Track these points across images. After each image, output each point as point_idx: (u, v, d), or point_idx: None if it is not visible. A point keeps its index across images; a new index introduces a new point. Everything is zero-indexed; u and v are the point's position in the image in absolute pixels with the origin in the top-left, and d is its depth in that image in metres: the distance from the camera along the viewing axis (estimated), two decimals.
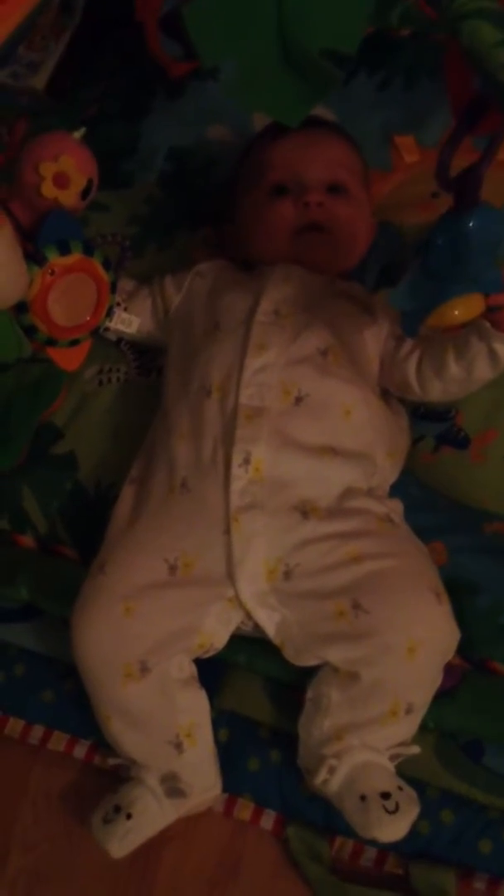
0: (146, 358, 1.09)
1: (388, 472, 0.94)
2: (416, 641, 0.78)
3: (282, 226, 1.00)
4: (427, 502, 0.97)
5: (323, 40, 0.59)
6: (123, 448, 1.01)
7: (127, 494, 0.93)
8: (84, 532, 0.99)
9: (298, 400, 0.89)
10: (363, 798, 0.78)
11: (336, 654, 0.80)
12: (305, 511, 0.85)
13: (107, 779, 0.88)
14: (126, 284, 1.05)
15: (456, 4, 0.59)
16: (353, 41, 0.59)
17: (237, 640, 0.86)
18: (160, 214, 1.21)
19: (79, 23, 1.36)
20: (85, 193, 0.82)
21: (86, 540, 0.97)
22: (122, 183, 1.25)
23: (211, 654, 0.86)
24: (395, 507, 0.90)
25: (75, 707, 0.91)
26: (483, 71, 0.62)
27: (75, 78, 1.39)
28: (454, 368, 0.88)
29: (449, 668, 0.83)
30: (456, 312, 0.76)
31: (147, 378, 1.08)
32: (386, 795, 0.77)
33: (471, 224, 0.71)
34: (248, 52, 0.60)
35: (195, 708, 0.84)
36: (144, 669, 0.81)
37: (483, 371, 0.87)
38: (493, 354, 0.85)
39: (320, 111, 1.21)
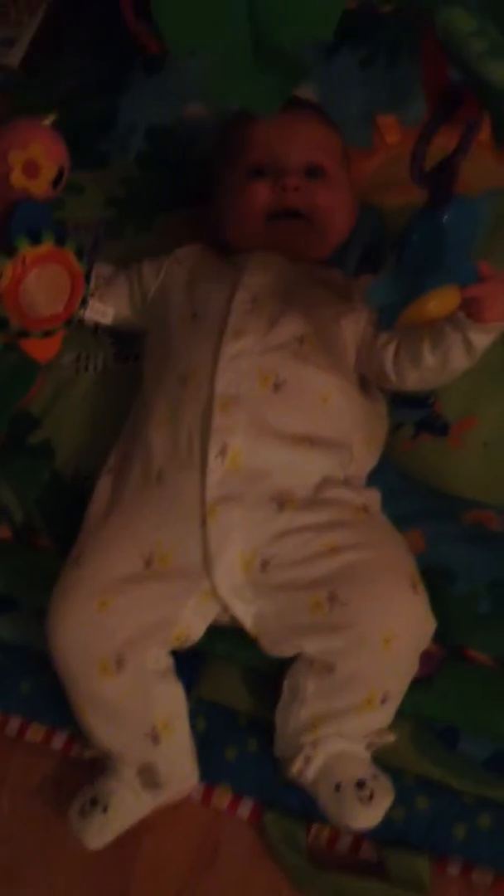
0: (124, 344, 1.08)
1: (365, 460, 0.94)
2: (392, 632, 0.78)
3: (256, 209, 0.99)
4: (405, 490, 0.97)
5: (296, 29, 0.57)
6: (101, 436, 1.00)
7: (103, 485, 0.92)
8: (61, 522, 0.98)
9: (277, 387, 0.89)
10: (338, 787, 0.78)
11: (312, 646, 0.80)
12: (282, 502, 0.84)
13: (85, 769, 0.88)
14: (103, 269, 1.04)
15: None
16: (328, 27, 0.57)
17: (215, 629, 0.86)
18: (138, 196, 1.20)
19: None
20: (56, 182, 0.81)
21: (63, 530, 0.97)
22: (98, 163, 1.23)
23: (188, 645, 0.86)
24: (372, 497, 0.90)
25: (53, 698, 0.90)
26: (459, 60, 0.61)
27: (51, 53, 1.37)
28: (430, 358, 0.87)
29: (426, 656, 0.83)
30: (432, 306, 0.76)
31: (125, 364, 1.07)
32: (361, 784, 0.78)
33: (446, 218, 0.70)
34: (218, 43, 0.59)
35: (172, 700, 0.84)
36: (120, 663, 0.81)
37: (458, 361, 0.87)
38: (468, 344, 0.85)
39: (301, 90, 1.19)
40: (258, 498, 0.84)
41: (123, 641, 0.81)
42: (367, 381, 0.97)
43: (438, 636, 0.84)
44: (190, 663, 0.88)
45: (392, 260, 0.77)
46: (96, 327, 1.06)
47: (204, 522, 0.83)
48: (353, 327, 0.95)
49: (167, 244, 1.13)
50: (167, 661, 0.85)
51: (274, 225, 0.99)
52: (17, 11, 1.33)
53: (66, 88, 1.32)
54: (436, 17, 0.59)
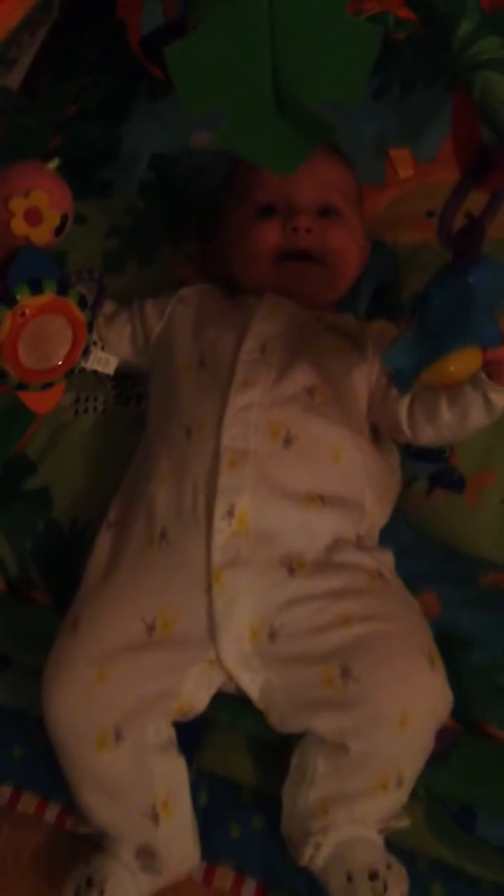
0: (126, 385, 1.04)
1: (377, 517, 0.89)
2: (408, 711, 0.74)
3: (266, 250, 0.95)
4: (419, 549, 0.93)
5: (322, 91, 0.53)
6: (101, 484, 0.95)
7: (104, 541, 0.87)
8: (58, 575, 0.94)
9: (287, 442, 0.84)
10: (349, 877, 0.74)
11: (323, 723, 0.76)
12: (292, 567, 0.80)
13: (79, 843, 0.84)
14: (105, 307, 1.00)
15: (469, 53, 0.53)
16: (355, 93, 0.53)
17: (220, 697, 0.82)
18: (142, 227, 1.16)
19: (56, 17, 1.29)
20: (59, 229, 0.76)
21: (59, 583, 0.92)
22: (100, 192, 1.19)
23: (191, 717, 0.81)
24: (386, 560, 0.86)
25: (46, 764, 0.85)
26: (494, 125, 0.56)
27: (52, 75, 1.32)
28: (447, 415, 0.84)
29: (441, 733, 0.79)
30: (452, 368, 0.73)
31: (126, 407, 1.03)
32: (374, 875, 0.73)
33: (471, 280, 0.67)
34: (237, 101, 0.54)
35: (173, 776, 0.79)
36: (119, 737, 0.76)
37: (478, 419, 0.83)
38: (488, 403, 0.81)
39: None
40: (267, 562, 0.80)
41: (123, 714, 0.77)
42: (378, 432, 0.93)
43: (454, 710, 0.79)
44: (190, 732, 0.83)
45: (412, 322, 0.73)
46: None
47: (209, 588, 0.79)
48: (365, 377, 0.91)
49: (171, 278, 1.09)
50: (169, 734, 0.80)
51: (284, 267, 0.96)
52: (17, 30, 1.29)
53: (67, 112, 1.28)
54: (473, 79, 0.54)
